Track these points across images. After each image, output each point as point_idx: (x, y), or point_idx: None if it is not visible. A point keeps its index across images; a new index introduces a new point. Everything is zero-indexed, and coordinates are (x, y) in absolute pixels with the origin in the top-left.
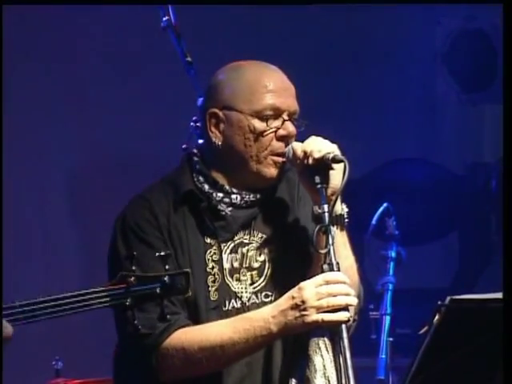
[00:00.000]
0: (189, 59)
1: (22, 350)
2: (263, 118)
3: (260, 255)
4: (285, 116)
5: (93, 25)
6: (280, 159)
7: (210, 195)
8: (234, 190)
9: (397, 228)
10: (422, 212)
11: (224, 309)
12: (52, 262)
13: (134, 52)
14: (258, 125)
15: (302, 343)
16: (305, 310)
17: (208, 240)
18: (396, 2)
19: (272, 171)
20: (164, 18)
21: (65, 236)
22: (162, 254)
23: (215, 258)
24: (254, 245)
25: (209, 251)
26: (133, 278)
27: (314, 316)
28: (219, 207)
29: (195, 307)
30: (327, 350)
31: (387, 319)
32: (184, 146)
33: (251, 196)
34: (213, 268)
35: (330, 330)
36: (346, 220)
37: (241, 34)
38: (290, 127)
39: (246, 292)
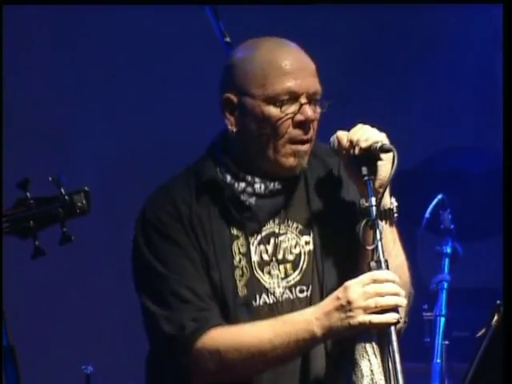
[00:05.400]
0: (228, 40)
1: (51, 355)
2: (277, 104)
3: (295, 247)
4: (302, 99)
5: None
6: (300, 148)
7: (232, 186)
8: (257, 179)
9: (452, 222)
10: (479, 204)
11: (255, 304)
12: (79, 253)
13: (166, 34)
14: (273, 111)
15: (348, 346)
16: (351, 310)
17: (234, 231)
18: (397, 2)
19: (290, 161)
20: None
21: (93, 226)
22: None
23: (242, 250)
24: (288, 235)
25: (235, 243)
26: (32, 201)
27: (360, 317)
28: (242, 198)
29: (223, 303)
30: (375, 354)
31: (442, 321)
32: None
33: (276, 184)
34: (240, 261)
35: (378, 333)
36: (396, 215)
37: (281, 14)
38: (309, 112)
39: (279, 287)
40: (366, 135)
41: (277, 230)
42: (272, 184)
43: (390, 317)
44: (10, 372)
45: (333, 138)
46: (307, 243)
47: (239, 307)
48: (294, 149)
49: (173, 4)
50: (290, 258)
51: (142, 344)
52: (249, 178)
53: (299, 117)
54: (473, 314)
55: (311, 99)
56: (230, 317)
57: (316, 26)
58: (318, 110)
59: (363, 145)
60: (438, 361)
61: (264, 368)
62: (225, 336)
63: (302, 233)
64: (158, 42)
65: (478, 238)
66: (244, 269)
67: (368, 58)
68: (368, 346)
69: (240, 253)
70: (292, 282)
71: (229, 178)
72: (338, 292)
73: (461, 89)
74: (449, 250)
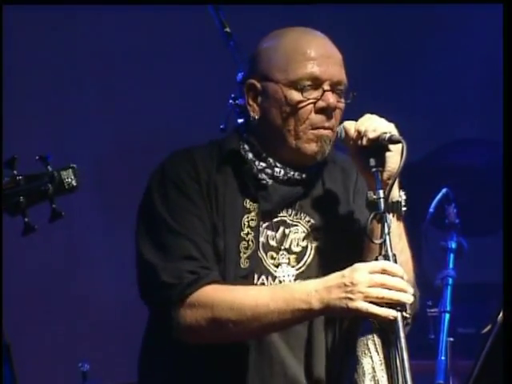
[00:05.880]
0: (227, 30)
1: (47, 352)
2: (299, 89)
3: (303, 240)
4: (325, 86)
5: (118, 8)
6: (322, 132)
7: (253, 163)
8: (278, 164)
9: (458, 216)
10: (485, 198)
11: (254, 283)
12: (77, 248)
13: (162, 28)
14: (294, 95)
15: (351, 343)
16: (351, 292)
17: (247, 205)
18: (398, 1)
19: (312, 147)
20: None
21: (90, 223)
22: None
23: (252, 224)
24: (298, 227)
25: (246, 216)
26: (21, 177)
27: (359, 302)
28: (260, 176)
29: (223, 273)
30: (377, 351)
31: (447, 317)
32: (222, 127)
33: (296, 174)
34: (247, 234)
35: (381, 329)
36: (404, 208)
37: (283, 12)
38: (331, 98)
39: (279, 273)
40: (374, 125)
41: (288, 220)
42: (292, 172)
43: (390, 312)
44: (6, 370)
45: (340, 128)
46: (316, 239)
47: (239, 279)
48: (316, 133)
49: (172, 4)
50: (296, 249)
51: (139, 341)
52: (270, 160)
53: (321, 103)
54: (478, 309)
55: (335, 88)
56: None
57: (321, 21)
58: (343, 101)
59: (371, 135)
60: (443, 358)
61: (256, 332)
62: (220, 292)
63: (312, 228)
64: (155, 39)
65: (483, 233)
66: (250, 242)
67: (372, 52)
68: (370, 342)
69: (249, 226)
70: (295, 273)
71: (250, 155)
72: (345, 270)
73: (466, 82)
74: (454, 245)
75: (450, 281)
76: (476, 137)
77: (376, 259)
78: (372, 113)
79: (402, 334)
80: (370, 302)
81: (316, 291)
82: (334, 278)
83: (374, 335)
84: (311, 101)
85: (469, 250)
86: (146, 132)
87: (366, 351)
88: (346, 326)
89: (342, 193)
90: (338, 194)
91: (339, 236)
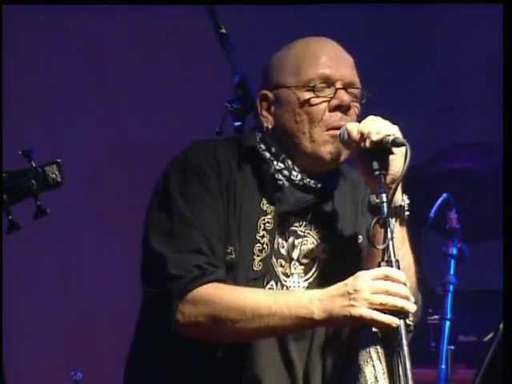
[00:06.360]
0: (223, 31)
1: (40, 360)
2: (311, 88)
3: (312, 252)
4: (338, 85)
5: (115, 10)
6: (337, 132)
7: (271, 162)
8: (296, 168)
9: (459, 222)
10: (487, 204)
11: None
12: (72, 252)
13: (158, 30)
14: (307, 96)
15: (354, 352)
16: (354, 299)
17: (264, 207)
18: (398, 2)
19: (328, 148)
20: None
21: (86, 226)
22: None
23: (268, 227)
24: (308, 239)
25: (263, 218)
26: (4, 174)
27: (362, 309)
28: (277, 176)
29: (235, 273)
30: (380, 359)
31: (448, 325)
32: (217, 130)
33: (312, 182)
34: (263, 237)
35: (384, 337)
36: (407, 213)
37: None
38: (345, 96)
39: (287, 282)
40: (377, 127)
41: (299, 231)
42: (308, 180)
43: (393, 319)
44: None
45: (342, 130)
46: (324, 252)
47: (250, 282)
48: (332, 134)
49: (170, 3)
50: (304, 261)
51: None
52: (289, 162)
53: (335, 101)
54: (479, 317)
55: (348, 88)
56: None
57: (319, 22)
58: (357, 105)
59: (375, 138)
60: (444, 366)
61: (253, 335)
62: (222, 290)
63: (321, 240)
64: (152, 41)
65: (484, 239)
66: (265, 245)
67: (371, 54)
68: (373, 350)
69: (265, 229)
70: (301, 284)
71: (268, 154)
72: (348, 279)
73: (468, 85)
74: (455, 251)
75: (451, 287)
76: (478, 140)
77: (379, 265)
78: (375, 115)
79: (404, 342)
80: (374, 309)
81: (319, 300)
82: (338, 287)
83: (377, 344)
84: (324, 99)
85: (470, 256)
86: (141, 133)
87: (369, 360)
88: (346, 336)
89: (351, 207)
90: (347, 208)
91: (347, 250)
